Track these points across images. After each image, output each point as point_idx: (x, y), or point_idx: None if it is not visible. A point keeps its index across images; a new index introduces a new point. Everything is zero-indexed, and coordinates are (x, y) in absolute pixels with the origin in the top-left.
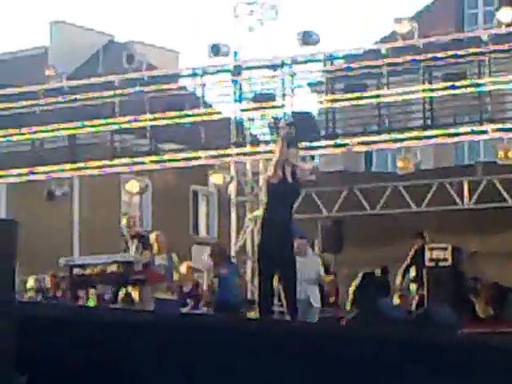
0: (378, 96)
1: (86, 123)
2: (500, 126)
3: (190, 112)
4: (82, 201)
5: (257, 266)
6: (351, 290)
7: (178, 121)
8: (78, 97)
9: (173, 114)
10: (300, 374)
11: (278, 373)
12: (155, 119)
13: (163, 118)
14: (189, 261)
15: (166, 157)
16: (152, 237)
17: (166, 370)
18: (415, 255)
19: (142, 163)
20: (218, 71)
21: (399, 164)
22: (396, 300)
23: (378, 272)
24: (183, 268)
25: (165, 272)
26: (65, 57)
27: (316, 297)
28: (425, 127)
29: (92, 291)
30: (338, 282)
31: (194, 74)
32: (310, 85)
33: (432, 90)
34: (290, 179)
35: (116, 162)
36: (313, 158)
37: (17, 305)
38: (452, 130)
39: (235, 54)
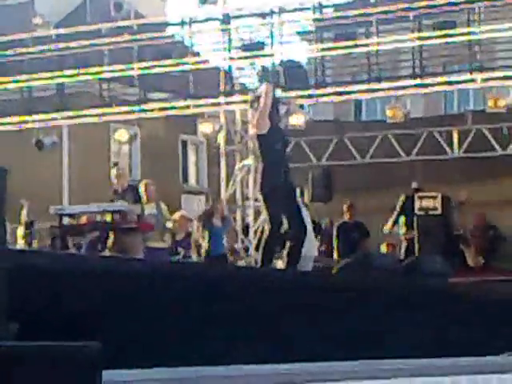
0: (367, 45)
1: (75, 72)
2: (489, 74)
3: (178, 61)
4: (70, 150)
5: (267, 216)
6: (334, 240)
7: (166, 70)
8: (65, 45)
9: (161, 62)
10: (291, 324)
11: (271, 323)
12: (144, 68)
13: (152, 67)
14: (179, 210)
15: (154, 106)
16: (141, 186)
17: (157, 319)
18: (404, 204)
19: (131, 112)
20: (207, 20)
21: (389, 113)
22: (383, 248)
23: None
24: (176, 217)
25: (154, 221)
26: (52, 5)
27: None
28: (414, 76)
29: (82, 240)
30: (326, 231)
31: (183, 23)
32: (299, 33)
33: (422, 39)
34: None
35: (104, 110)
36: (302, 106)
37: (7, 253)
38: (441, 79)
39: (224, 2)
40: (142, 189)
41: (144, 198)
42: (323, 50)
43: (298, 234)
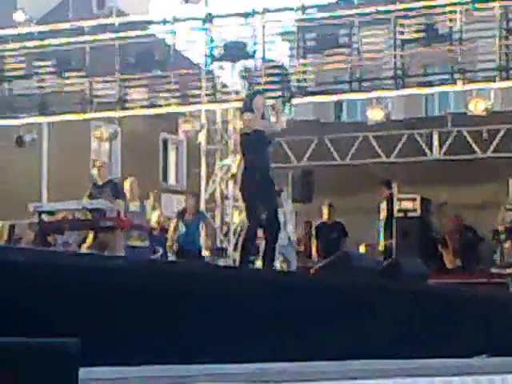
0: (349, 46)
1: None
2: (470, 77)
3: (160, 60)
4: (50, 147)
5: (246, 214)
6: (313, 241)
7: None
8: (47, 42)
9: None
10: (270, 324)
11: (249, 321)
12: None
13: (133, 66)
14: (159, 208)
15: (135, 104)
16: (126, 183)
17: (136, 316)
18: (386, 204)
19: (112, 110)
20: (189, 19)
21: (370, 114)
22: (362, 249)
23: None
24: (155, 216)
25: (138, 219)
26: (34, 1)
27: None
28: (396, 78)
29: (60, 237)
30: (305, 231)
31: (165, 21)
32: (281, 34)
33: (403, 41)
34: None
35: (86, 108)
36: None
37: None
38: (423, 80)
39: (206, 1)
40: (127, 186)
41: (128, 196)
42: (305, 50)
43: (273, 236)
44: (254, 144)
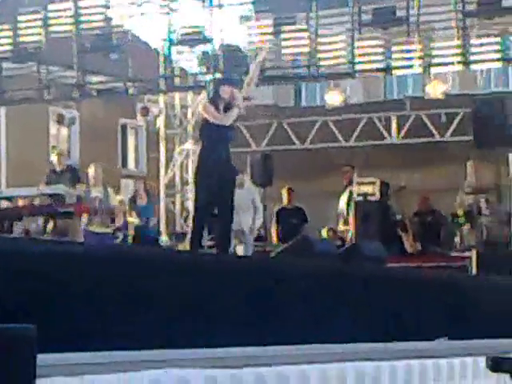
0: (306, 29)
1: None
2: (428, 61)
3: (117, 44)
4: (8, 133)
5: (194, 201)
6: (273, 225)
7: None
8: (4, 27)
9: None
10: (227, 307)
11: (208, 306)
12: (83, 51)
13: (91, 51)
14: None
15: (94, 89)
16: (91, 169)
17: (93, 302)
18: (345, 188)
19: (70, 95)
20: (146, 2)
21: (328, 98)
22: (324, 233)
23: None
24: (115, 201)
25: (100, 205)
26: None
27: (248, 225)
28: (354, 62)
29: (19, 224)
30: (265, 215)
31: (122, 5)
32: (239, 18)
33: (361, 24)
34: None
35: (43, 93)
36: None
37: None
38: (381, 65)
39: None
40: (91, 172)
41: (92, 181)
42: (262, 34)
43: (226, 223)
44: (208, 133)
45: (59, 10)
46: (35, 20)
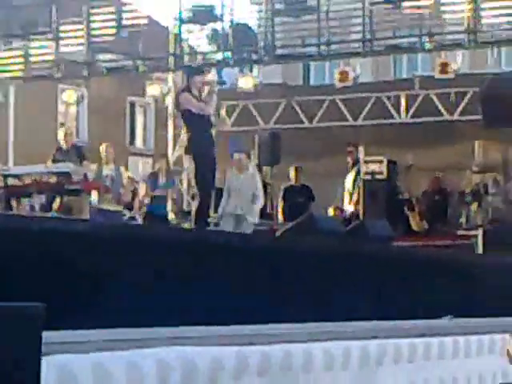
0: (317, 8)
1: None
2: (438, 39)
3: (127, 22)
4: (17, 110)
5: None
6: (280, 203)
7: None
8: (14, 4)
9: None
10: (236, 286)
11: (208, 285)
12: (93, 29)
13: (100, 28)
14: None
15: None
16: (102, 148)
17: (99, 279)
18: (352, 167)
19: (79, 73)
20: None
21: (337, 77)
22: (331, 212)
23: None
24: (125, 179)
25: (112, 183)
26: None
27: (252, 212)
28: (364, 40)
29: (26, 200)
30: (273, 194)
31: None
32: None
33: (372, 4)
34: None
35: (52, 71)
36: (250, 69)
37: None
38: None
39: None
40: (102, 150)
41: (103, 160)
42: (273, 13)
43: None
44: (191, 121)
45: None
46: None
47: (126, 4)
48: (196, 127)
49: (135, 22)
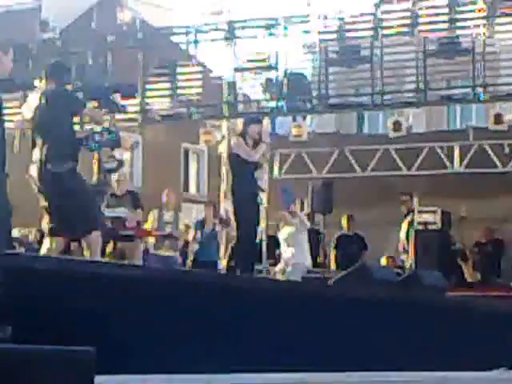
0: (371, 58)
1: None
2: (493, 91)
3: (182, 70)
4: None
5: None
6: (332, 251)
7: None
8: (70, 51)
9: (165, 71)
10: (285, 333)
11: (264, 331)
12: (147, 79)
13: (155, 75)
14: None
15: (157, 114)
16: (164, 194)
17: (151, 325)
18: (405, 216)
19: (133, 120)
20: (212, 29)
21: (391, 127)
22: (384, 261)
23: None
24: (181, 225)
25: (171, 229)
26: (58, 12)
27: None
28: (417, 91)
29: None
30: (325, 243)
31: (188, 32)
32: (303, 46)
33: (426, 54)
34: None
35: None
36: (304, 118)
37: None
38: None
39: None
40: (164, 197)
41: (164, 205)
42: (327, 62)
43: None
44: (237, 167)
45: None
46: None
47: (181, 51)
48: (240, 171)
49: (190, 69)
